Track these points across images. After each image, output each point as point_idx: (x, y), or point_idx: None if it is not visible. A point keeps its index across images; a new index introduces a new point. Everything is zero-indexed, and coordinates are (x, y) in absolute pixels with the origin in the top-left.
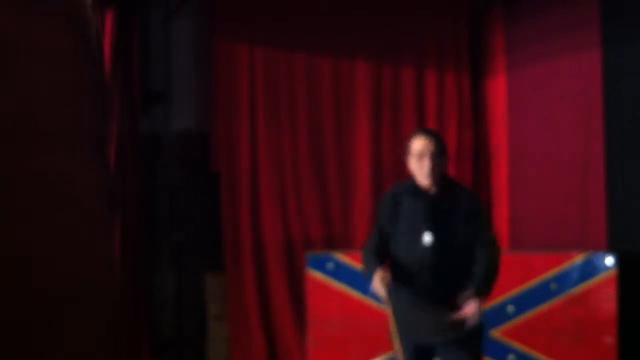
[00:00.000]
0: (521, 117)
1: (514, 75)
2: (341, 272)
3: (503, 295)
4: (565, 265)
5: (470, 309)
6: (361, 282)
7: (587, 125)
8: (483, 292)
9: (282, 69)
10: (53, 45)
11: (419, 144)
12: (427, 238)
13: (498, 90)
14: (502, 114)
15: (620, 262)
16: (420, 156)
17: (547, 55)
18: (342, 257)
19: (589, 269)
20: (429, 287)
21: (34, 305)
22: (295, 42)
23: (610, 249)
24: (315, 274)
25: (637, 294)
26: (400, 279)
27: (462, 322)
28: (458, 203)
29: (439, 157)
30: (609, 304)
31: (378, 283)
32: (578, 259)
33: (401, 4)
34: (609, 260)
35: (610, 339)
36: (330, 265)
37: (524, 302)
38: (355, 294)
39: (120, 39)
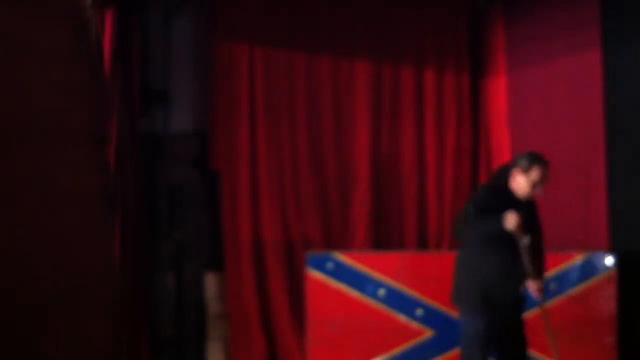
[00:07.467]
0: (521, 117)
1: (514, 75)
2: (341, 272)
3: None
4: (565, 265)
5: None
6: (361, 282)
7: (587, 125)
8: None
9: (282, 69)
10: (53, 45)
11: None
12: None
13: (498, 90)
14: (502, 114)
15: (620, 262)
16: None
17: (547, 55)
18: (342, 257)
19: (589, 269)
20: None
21: (34, 304)
22: (295, 42)
23: (610, 249)
24: (315, 274)
25: (637, 294)
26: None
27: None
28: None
29: None
30: (609, 304)
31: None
32: (578, 259)
33: (401, 3)
34: (609, 260)
35: (610, 339)
36: (330, 266)
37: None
38: (355, 294)
39: (120, 39)
